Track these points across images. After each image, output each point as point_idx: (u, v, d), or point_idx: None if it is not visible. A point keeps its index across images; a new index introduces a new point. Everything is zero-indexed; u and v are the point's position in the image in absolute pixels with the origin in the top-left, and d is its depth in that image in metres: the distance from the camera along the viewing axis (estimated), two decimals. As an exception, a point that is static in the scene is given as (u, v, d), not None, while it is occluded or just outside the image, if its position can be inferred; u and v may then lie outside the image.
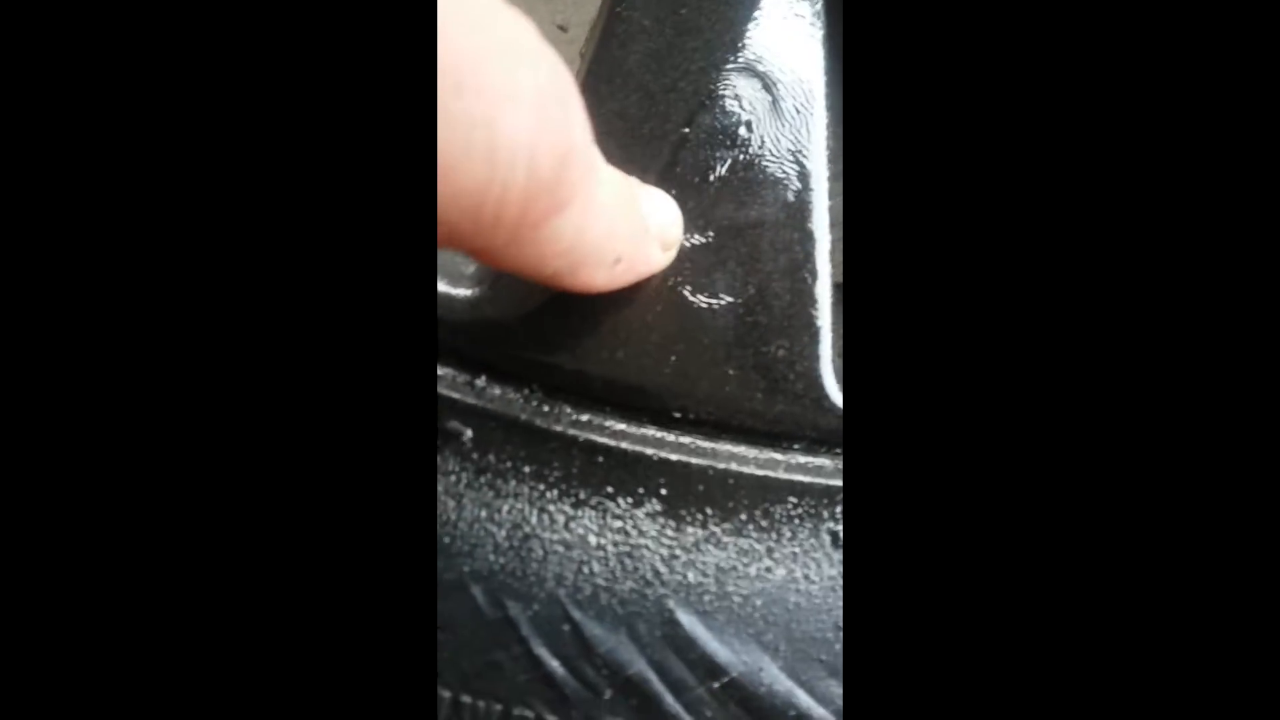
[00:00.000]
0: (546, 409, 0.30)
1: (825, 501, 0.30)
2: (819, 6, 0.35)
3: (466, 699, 0.27)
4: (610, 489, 0.29)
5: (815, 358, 0.31)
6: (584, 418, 0.30)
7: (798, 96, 0.34)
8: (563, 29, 0.61)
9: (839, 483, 0.31)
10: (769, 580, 0.29)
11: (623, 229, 0.26)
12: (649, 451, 0.30)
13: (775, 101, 0.33)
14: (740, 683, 0.28)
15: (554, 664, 0.27)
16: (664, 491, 0.29)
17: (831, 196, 0.33)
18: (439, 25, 0.18)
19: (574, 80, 0.22)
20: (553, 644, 0.27)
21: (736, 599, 0.29)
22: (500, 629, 0.27)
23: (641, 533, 0.29)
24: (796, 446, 0.31)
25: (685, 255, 0.31)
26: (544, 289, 0.30)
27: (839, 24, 0.35)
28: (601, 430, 0.30)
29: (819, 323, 0.32)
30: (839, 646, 0.29)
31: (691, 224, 0.32)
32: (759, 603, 0.29)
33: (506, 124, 0.19)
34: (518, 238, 0.21)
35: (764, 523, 0.30)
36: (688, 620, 0.28)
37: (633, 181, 0.29)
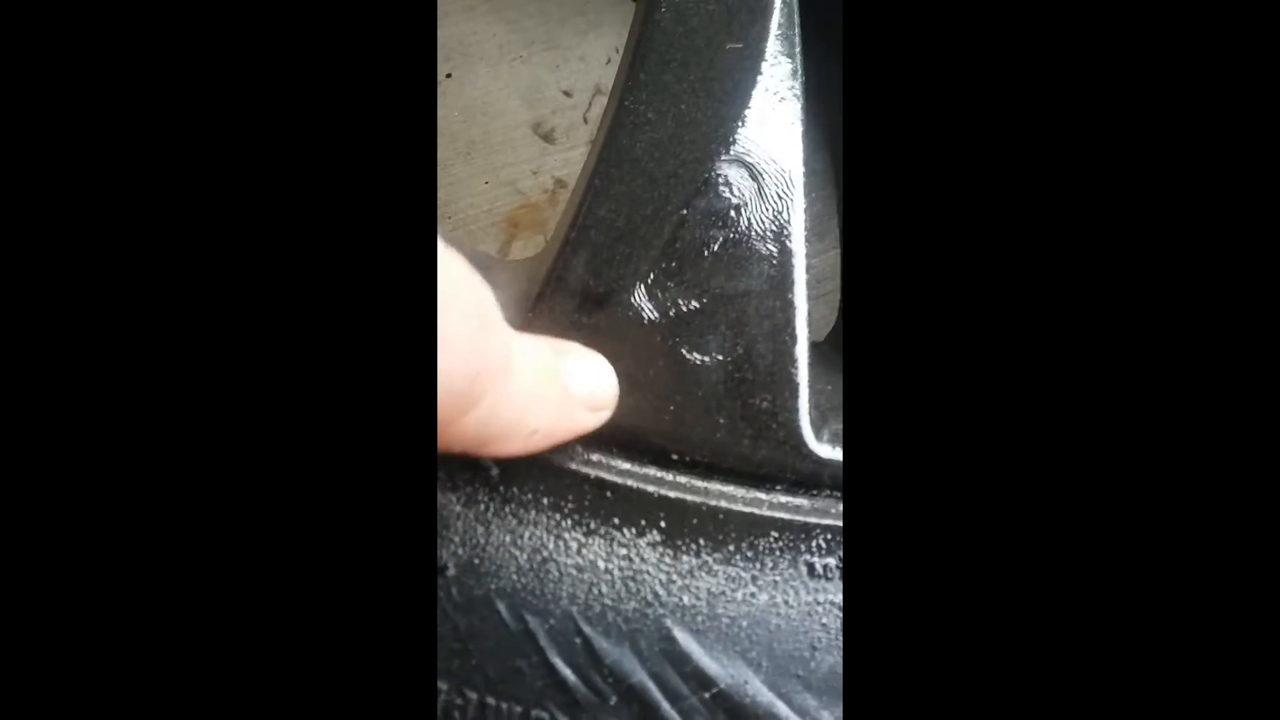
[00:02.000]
0: (563, 448, 0.34)
1: (803, 536, 0.34)
2: (799, 106, 0.41)
3: (491, 701, 0.30)
4: (617, 520, 0.33)
5: (795, 410, 0.36)
6: (594, 457, 0.34)
7: (780, 184, 0.39)
8: (567, 94, 0.66)
9: (815, 520, 0.35)
10: (753, 604, 0.33)
11: (538, 407, 0.29)
12: (650, 489, 0.34)
13: (761, 189, 0.38)
14: (728, 694, 0.32)
15: (567, 672, 0.31)
16: (663, 524, 0.33)
17: (808, 270, 0.38)
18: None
19: (495, 298, 0.26)
20: (566, 654, 0.31)
21: (725, 620, 0.33)
22: (521, 640, 0.31)
23: (643, 560, 0.33)
24: (778, 488, 0.35)
25: (684, 319, 0.36)
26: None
27: (816, 121, 0.40)
28: (609, 469, 0.34)
29: (798, 379, 0.36)
30: (814, 664, 0.33)
31: (689, 291, 0.36)
32: (744, 624, 0.33)
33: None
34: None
35: (750, 554, 0.34)
36: (683, 637, 0.32)
37: (569, 349, 0.31)
